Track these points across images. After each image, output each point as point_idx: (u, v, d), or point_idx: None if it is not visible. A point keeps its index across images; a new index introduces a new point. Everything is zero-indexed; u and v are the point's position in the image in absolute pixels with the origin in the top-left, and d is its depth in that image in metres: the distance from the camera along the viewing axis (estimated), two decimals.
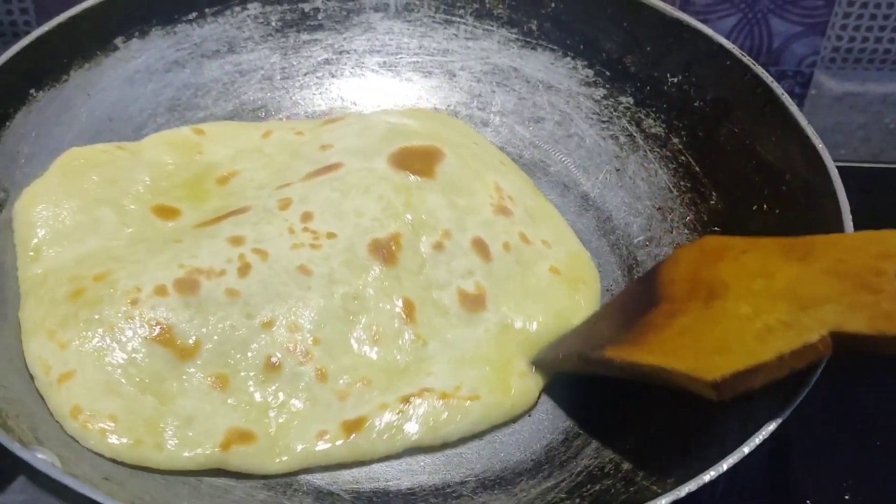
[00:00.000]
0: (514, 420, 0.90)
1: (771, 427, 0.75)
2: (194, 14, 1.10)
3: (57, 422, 0.83)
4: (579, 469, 0.87)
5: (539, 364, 0.92)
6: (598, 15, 1.10)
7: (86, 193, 0.97)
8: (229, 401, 0.86)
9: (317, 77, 1.15)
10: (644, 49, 1.08)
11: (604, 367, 0.83)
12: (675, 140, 1.06)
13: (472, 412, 0.88)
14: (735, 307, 0.78)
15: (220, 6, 1.11)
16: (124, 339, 0.86)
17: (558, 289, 0.98)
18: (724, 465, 0.74)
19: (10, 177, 0.95)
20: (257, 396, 0.87)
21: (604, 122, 1.11)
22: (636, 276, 1.01)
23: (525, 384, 0.91)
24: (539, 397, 0.92)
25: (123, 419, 0.84)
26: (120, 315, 0.87)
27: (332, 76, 1.15)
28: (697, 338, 0.77)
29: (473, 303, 0.94)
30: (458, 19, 1.15)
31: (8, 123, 0.96)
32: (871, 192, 1.25)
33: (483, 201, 1.00)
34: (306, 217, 0.95)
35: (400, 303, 0.92)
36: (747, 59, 1.00)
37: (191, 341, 0.87)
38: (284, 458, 0.85)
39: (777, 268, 0.80)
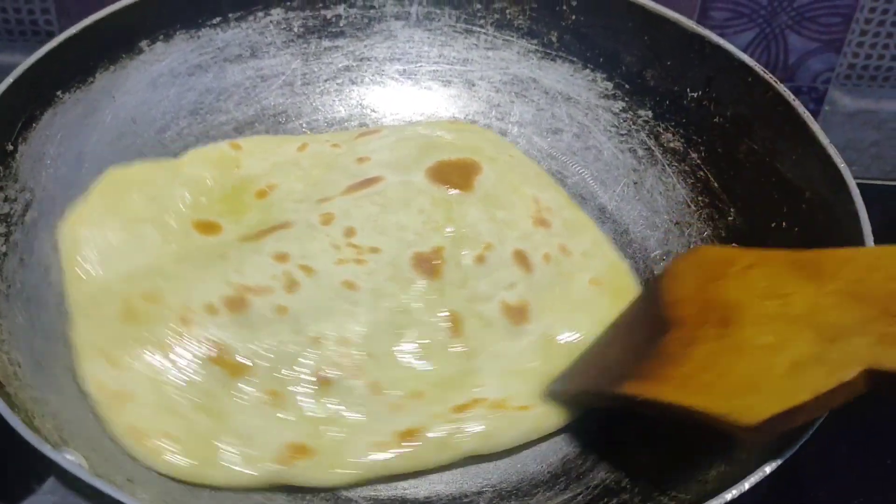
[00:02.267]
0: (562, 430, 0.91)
1: (796, 445, 0.75)
2: (218, 19, 1.10)
3: (116, 442, 0.83)
4: (596, 482, 0.87)
5: (552, 396, 0.90)
6: (618, 28, 1.11)
7: (127, 212, 0.98)
8: (283, 416, 0.86)
9: (337, 83, 1.15)
10: (664, 63, 1.09)
11: (624, 402, 0.80)
12: (694, 155, 1.07)
13: (525, 421, 0.88)
14: (755, 335, 0.76)
15: (244, 11, 1.11)
16: (177, 358, 0.87)
17: (600, 300, 0.98)
18: (746, 485, 0.73)
19: (36, 177, 0.95)
20: (311, 411, 0.87)
21: (622, 135, 1.11)
22: None
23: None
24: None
25: (182, 438, 0.84)
26: (172, 333, 0.88)
27: (353, 83, 1.16)
28: (723, 373, 0.74)
29: (517, 314, 0.95)
30: (479, 29, 1.15)
31: (34, 125, 0.96)
32: (883, 209, 1.26)
33: (522, 213, 1.01)
34: (349, 232, 0.96)
35: (446, 315, 0.93)
36: (768, 76, 1.00)
37: (243, 358, 0.88)
38: (342, 471, 0.84)
39: (790, 287, 0.78)
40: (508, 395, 0.89)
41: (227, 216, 1.01)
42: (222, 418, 0.85)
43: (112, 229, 0.97)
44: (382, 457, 0.85)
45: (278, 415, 0.86)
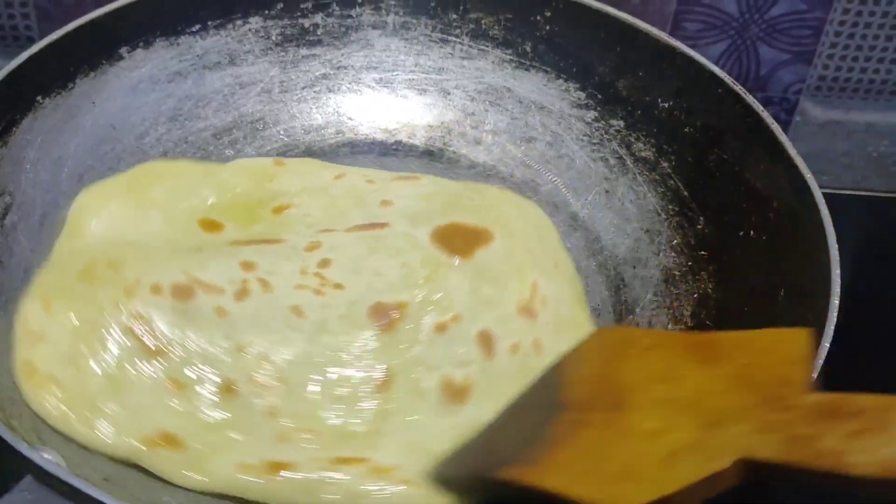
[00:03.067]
0: None
1: None
2: (197, 26, 1.11)
3: (11, 374, 0.86)
4: None
5: (437, 478, 0.85)
6: (591, 39, 1.12)
7: (145, 196, 1.02)
8: (177, 406, 0.86)
9: (314, 91, 1.16)
10: (636, 74, 1.10)
11: (505, 488, 0.77)
12: (665, 164, 1.08)
13: (395, 496, 0.83)
14: (640, 420, 0.74)
15: (223, 19, 1.12)
16: (103, 321, 0.88)
17: None
18: None
19: (16, 181, 0.96)
20: (204, 412, 0.86)
21: (594, 144, 1.12)
22: (623, 298, 1.03)
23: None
24: None
25: (70, 390, 0.85)
26: (110, 300, 0.89)
27: (330, 91, 1.17)
28: (602, 459, 0.72)
29: (456, 394, 0.90)
30: (454, 39, 1.17)
31: (14, 129, 0.97)
32: (852, 219, 1.28)
33: (510, 297, 0.96)
34: (324, 263, 0.95)
35: (380, 370, 0.89)
36: (739, 88, 1.02)
37: (164, 343, 0.88)
38: (195, 476, 0.83)
39: (682, 370, 0.76)
40: (398, 466, 0.85)
41: (236, 222, 1.02)
42: (118, 387, 0.86)
43: (123, 206, 1.00)
44: (241, 478, 0.83)
45: (170, 403, 0.86)
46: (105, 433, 0.84)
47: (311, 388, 0.88)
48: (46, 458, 0.74)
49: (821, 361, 0.80)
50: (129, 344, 0.88)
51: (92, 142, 1.04)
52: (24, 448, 0.74)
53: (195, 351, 0.88)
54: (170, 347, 0.88)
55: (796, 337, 0.74)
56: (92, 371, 0.87)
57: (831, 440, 0.63)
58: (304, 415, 0.87)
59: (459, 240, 0.98)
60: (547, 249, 1.05)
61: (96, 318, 0.89)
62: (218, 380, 0.87)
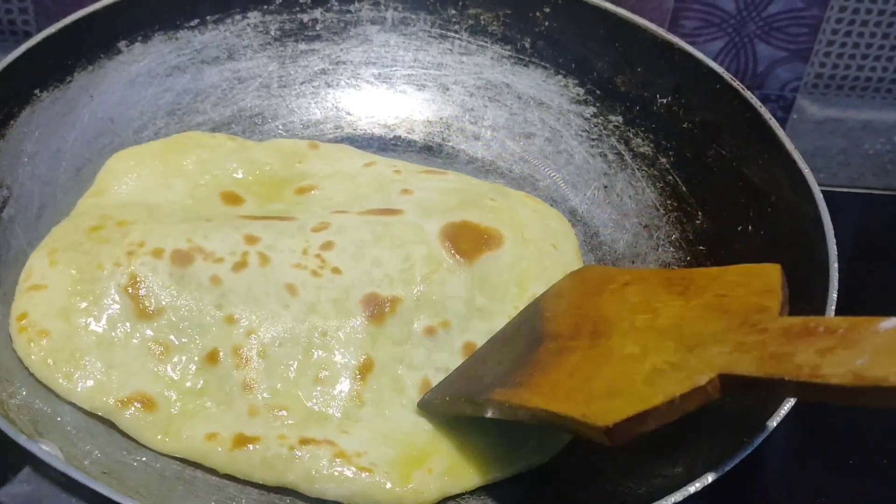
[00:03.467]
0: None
1: (757, 441, 0.78)
2: (196, 21, 1.11)
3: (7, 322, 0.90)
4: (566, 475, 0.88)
5: (424, 407, 0.89)
6: (590, 35, 1.12)
7: (173, 164, 1.04)
8: (157, 369, 0.88)
9: (313, 86, 1.17)
10: (635, 70, 1.10)
11: (493, 410, 0.81)
12: (663, 160, 1.08)
13: (354, 482, 0.84)
14: (621, 346, 0.77)
15: (222, 14, 1.13)
16: (101, 279, 0.91)
17: (525, 428, 0.87)
18: (710, 477, 0.75)
19: (14, 174, 0.96)
20: (183, 377, 0.89)
21: (593, 139, 1.13)
22: None
23: (427, 484, 0.85)
24: None
25: (56, 341, 0.88)
26: (112, 258, 0.92)
27: (329, 86, 1.17)
28: (586, 380, 0.75)
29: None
30: (453, 34, 1.17)
31: (12, 122, 0.97)
32: (849, 216, 1.28)
33: (504, 310, 0.96)
34: (327, 246, 0.96)
35: (363, 359, 0.91)
36: (736, 84, 1.02)
37: (156, 306, 0.90)
38: (167, 440, 0.86)
39: (660, 302, 0.80)
40: (362, 452, 0.86)
41: (258, 197, 1.04)
42: (105, 346, 0.89)
43: (152, 171, 1.03)
44: (207, 447, 0.85)
45: (152, 365, 0.88)
46: (84, 387, 0.87)
47: (292, 366, 0.90)
48: (45, 449, 0.74)
49: None
50: (121, 304, 0.90)
51: (90, 135, 1.04)
52: (22, 440, 0.74)
53: (185, 316, 0.90)
54: (160, 311, 0.90)
55: (767, 270, 0.77)
56: (82, 326, 0.89)
57: (805, 356, 0.66)
58: (280, 392, 0.89)
59: (468, 241, 0.98)
60: (561, 259, 1.03)
61: (95, 274, 0.91)
62: (202, 348, 0.90)
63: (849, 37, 1.29)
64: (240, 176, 1.05)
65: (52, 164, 1.00)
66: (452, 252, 0.97)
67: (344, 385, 0.90)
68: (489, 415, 0.82)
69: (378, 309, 0.92)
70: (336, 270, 0.94)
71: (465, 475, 0.87)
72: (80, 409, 0.86)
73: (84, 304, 0.90)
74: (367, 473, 0.85)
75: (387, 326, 0.92)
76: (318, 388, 0.89)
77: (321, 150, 1.11)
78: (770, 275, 0.76)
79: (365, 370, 0.90)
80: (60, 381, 0.86)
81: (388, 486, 0.85)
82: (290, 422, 0.87)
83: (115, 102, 1.07)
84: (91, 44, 1.05)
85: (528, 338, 0.85)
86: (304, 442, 0.86)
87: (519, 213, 1.05)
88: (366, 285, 0.93)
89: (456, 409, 0.87)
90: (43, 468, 0.73)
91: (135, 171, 1.03)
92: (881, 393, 0.62)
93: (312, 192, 1.05)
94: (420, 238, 0.97)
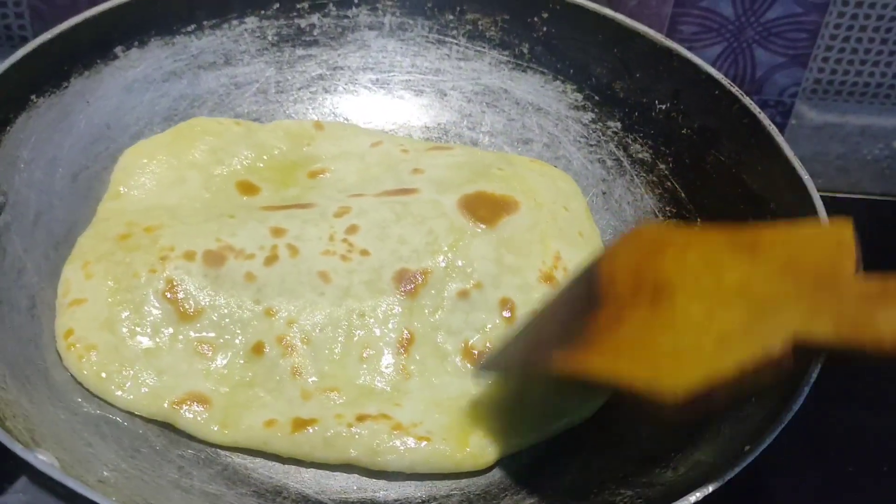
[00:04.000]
0: (461, 475, 0.89)
1: (765, 442, 0.77)
2: (193, 26, 1.11)
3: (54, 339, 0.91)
4: (565, 486, 0.88)
5: (486, 368, 0.91)
6: (588, 40, 1.12)
7: (184, 155, 1.05)
8: (205, 368, 0.90)
9: (310, 92, 1.16)
10: (633, 75, 1.10)
11: (554, 372, 0.79)
12: (662, 166, 1.08)
13: (416, 452, 0.87)
14: (686, 309, 0.73)
15: (219, 19, 1.12)
16: (139, 286, 0.92)
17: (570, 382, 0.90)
18: (710, 487, 0.75)
19: (9, 181, 0.95)
20: (231, 371, 0.90)
21: (591, 145, 1.12)
22: None
23: (484, 446, 0.89)
24: (494, 464, 0.89)
25: (105, 353, 0.90)
26: (146, 265, 0.93)
27: (326, 91, 1.16)
28: (651, 345, 0.73)
29: (476, 358, 0.93)
30: (451, 40, 1.16)
31: (8, 128, 0.97)
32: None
33: (533, 265, 0.99)
34: (352, 229, 0.97)
35: (403, 333, 0.93)
36: (735, 90, 1.02)
37: (196, 307, 0.92)
38: (226, 432, 0.88)
39: (725, 263, 0.76)
40: (418, 422, 0.89)
41: (272, 184, 1.05)
42: (152, 352, 0.91)
43: (163, 165, 1.04)
44: (268, 434, 0.88)
45: (200, 365, 0.90)
46: (139, 395, 0.88)
47: (336, 349, 0.92)
48: (41, 459, 0.74)
49: (820, 359, 0.80)
50: (162, 309, 0.92)
51: (86, 141, 1.04)
52: (19, 449, 0.73)
53: (225, 314, 0.92)
54: (201, 312, 0.92)
55: (838, 227, 0.74)
56: (127, 335, 0.91)
57: (888, 320, 0.63)
58: (329, 374, 0.91)
59: (485, 208, 1.00)
60: (573, 219, 1.06)
61: (132, 283, 0.92)
62: (246, 342, 0.91)
63: (847, 42, 1.29)
64: (250, 163, 1.06)
65: (48, 170, 0.99)
66: (473, 220, 0.99)
67: (388, 360, 0.92)
68: (551, 377, 0.82)
69: (410, 283, 0.95)
70: (364, 252, 0.96)
71: (520, 433, 0.90)
72: (77, 416, 0.86)
73: (126, 314, 0.92)
74: (427, 442, 0.88)
75: (421, 298, 0.94)
76: (365, 366, 0.92)
77: (326, 130, 1.12)
78: (843, 231, 0.73)
79: (407, 343, 0.93)
80: (117, 392, 0.88)
81: (448, 451, 0.88)
82: (341, 400, 0.89)
83: (111, 108, 1.06)
84: (87, 49, 1.04)
85: (585, 302, 0.82)
86: (361, 418, 0.88)
87: (528, 179, 1.07)
88: (395, 262, 0.96)
89: (516, 371, 0.90)
90: (39, 478, 0.73)
91: (148, 168, 1.04)
92: None
93: (324, 174, 1.07)
94: (439, 212, 0.99)
